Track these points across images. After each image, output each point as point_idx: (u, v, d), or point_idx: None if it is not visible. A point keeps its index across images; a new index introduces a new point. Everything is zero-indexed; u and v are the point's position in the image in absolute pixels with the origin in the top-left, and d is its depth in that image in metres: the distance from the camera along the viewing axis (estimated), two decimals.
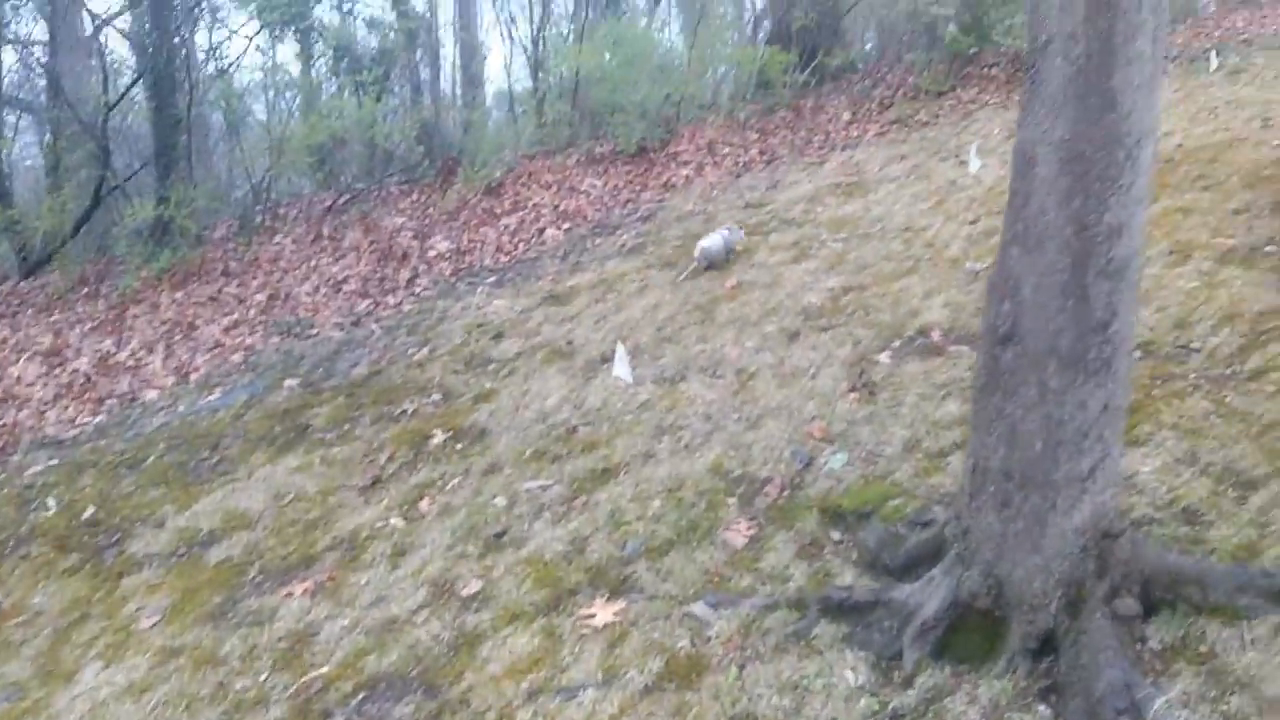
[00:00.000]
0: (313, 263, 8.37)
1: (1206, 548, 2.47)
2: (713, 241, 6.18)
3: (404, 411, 4.85)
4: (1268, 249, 4.42)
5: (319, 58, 12.68)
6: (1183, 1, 14.30)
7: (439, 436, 4.40)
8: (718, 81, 12.26)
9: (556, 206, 8.89)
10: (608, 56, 10.77)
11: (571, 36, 15.09)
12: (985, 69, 10.80)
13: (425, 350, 5.73)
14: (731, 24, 15.08)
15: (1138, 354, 3.73)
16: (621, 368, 4.50)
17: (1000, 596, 2.27)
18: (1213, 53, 9.15)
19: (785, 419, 3.78)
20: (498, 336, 5.65)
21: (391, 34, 12.37)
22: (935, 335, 4.30)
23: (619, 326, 5.42)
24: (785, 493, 3.22)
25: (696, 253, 6.18)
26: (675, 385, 4.42)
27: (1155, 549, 2.38)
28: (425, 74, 15.44)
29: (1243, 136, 6.28)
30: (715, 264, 6.12)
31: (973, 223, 5.72)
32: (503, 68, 18.99)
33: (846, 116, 10.46)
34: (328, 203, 10.56)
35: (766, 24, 13.06)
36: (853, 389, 3.93)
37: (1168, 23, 2.03)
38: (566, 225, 8.38)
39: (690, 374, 4.53)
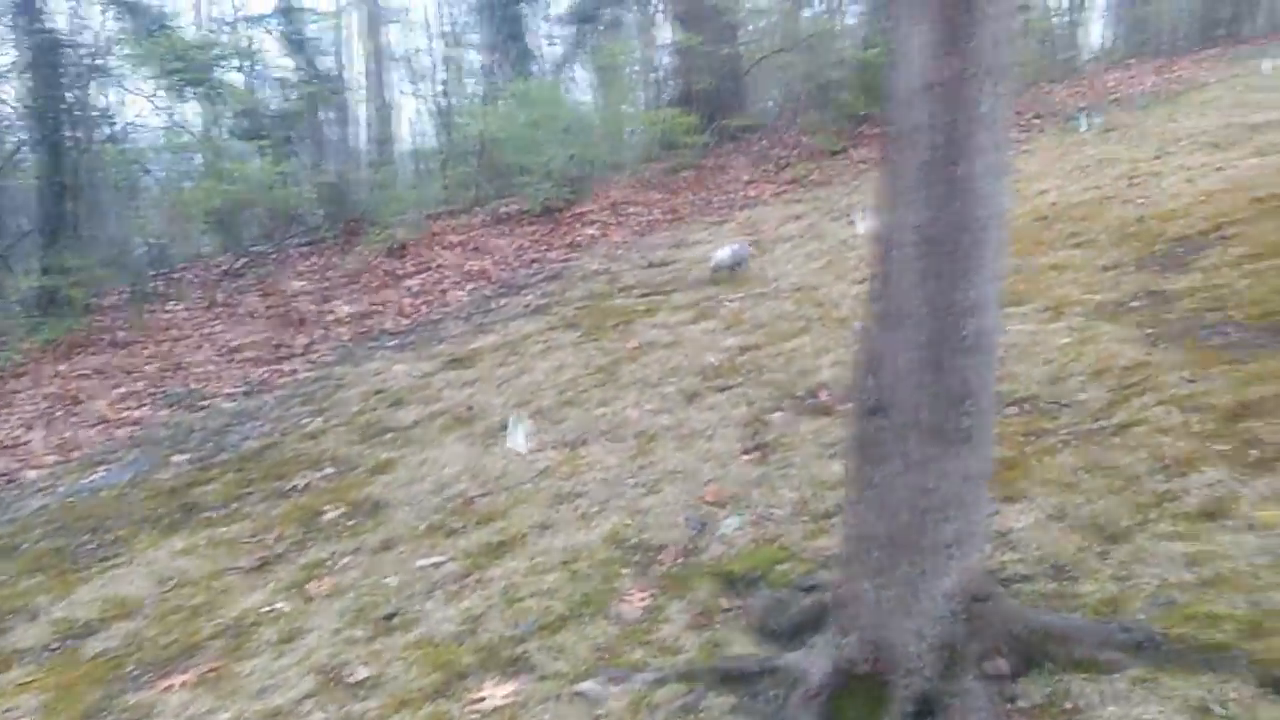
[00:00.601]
0: (207, 330, 8.14)
1: (1074, 604, 2.57)
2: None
3: (296, 486, 4.73)
4: (1134, 304, 4.70)
5: (222, 118, 12.47)
6: (1063, 61, 15.29)
7: (331, 512, 4.30)
8: (625, 142, 12.48)
9: (461, 267, 8.88)
10: (516, 116, 10.88)
11: (480, 95, 15.22)
12: (879, 129, 11.28)
13: (320, 420, 5.61)
14: (638, 84, 15.42)
15: (1014, 410, 3.92)
16: (516, 439, 4.48)
17: (880, 661, 2.32)
18: (1083, 114, 9.76)
19: (683, 483, 3.82)
20: (397, 403, 5.58)
21: (296, 94, 12.26)
22: (824, 395, 4.42)
23: (522, 390, 5.41)
24: (680, 560, 3.25)
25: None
26: (576, 450, 4.42)
27: (1024, 609, 2.48)
28: (335, 133, 15.32)
29: (1112, 194, 6.70)
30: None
31: (861, 282, 5.92)
32: (412, 126, 18.99)
33: (747, 176, 10.78)
34: (226, 267, 10.32)
35: (672, 85, 13.39)
36: (747, 450, 4.01)
37: (1009, 116, 2.17)
38: (471, 286, 8.38)
39: (592, 438, 4.55)
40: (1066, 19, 17.20)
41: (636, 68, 15.07)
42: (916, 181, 2.12)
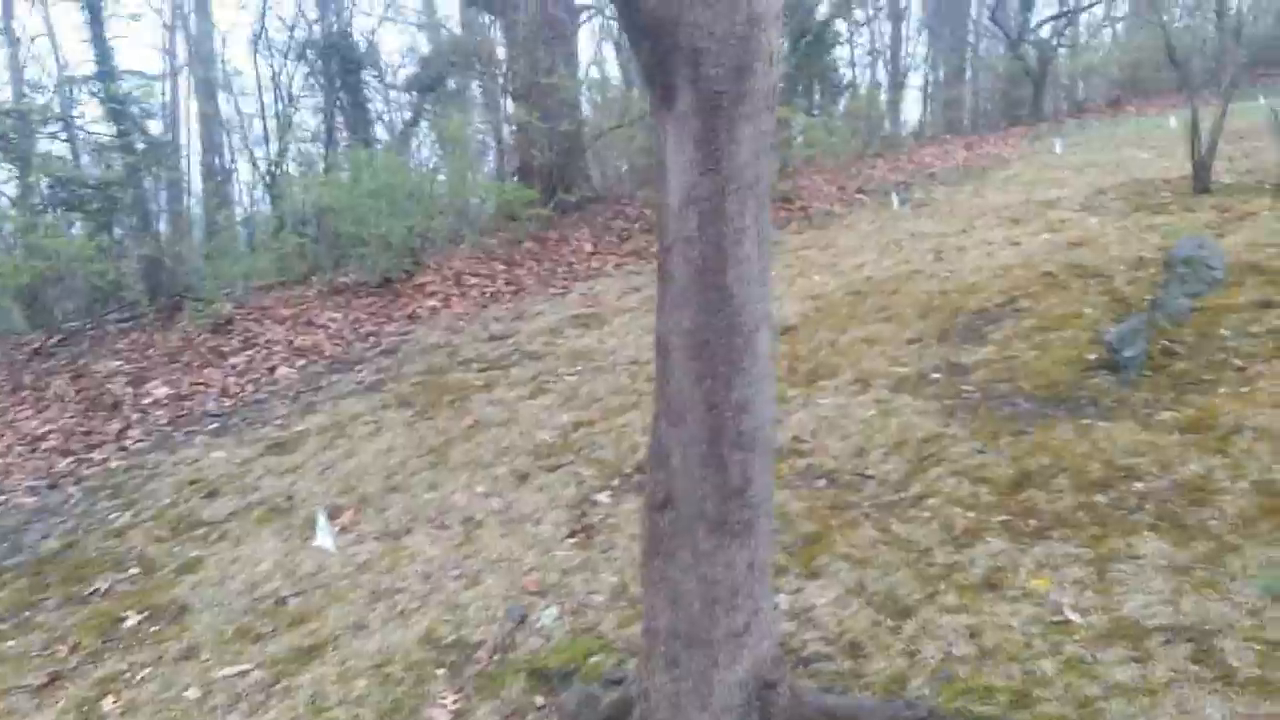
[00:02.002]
0: (10, 416, 7.51)
1: (864, 682, 2.69)
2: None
3: (96, 590, 4.39)
4: (934, 375, 5.02)
5: (36, 187, 11.71)
6: (882, 139, 16.37)
7: (132, 618, 4.01)
8: (468, 213, 12.48)
9: (291, 342, 8.58)
10: (355, 185, 10.71)
11: (318, 163, 14.91)
12: None
13: (129, 515, 5.26)
14: (482, 155, 15.51)
15: (823, 483, 4.10)
16: (324, 537, 4.32)
17: None
18: (894, 193, 10.47)
19: (505, 572, 3.78)
20: (212, 494, 5.30)
21: (119, 162, 11.67)
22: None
23: (346, 476, 5.25)
24: (496, 656, 3.19)
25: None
26: (399, 540, 4.31)
27: (813, 691, 2.57)
28: (164, 201, 14.65)
29: (920, 269, 7.18)
30: None
31: None
32: (247, 194, 18.38)
33: (590, 248, 10.96)
34: (36, 345, 9.59)
35: (514, 158, 13.53)
36: (572, 534, 4.01)
37: (769, 227, 2.32)
38: (302, 362, 8.10)
39: (416, 526, 4.45)
40: (887, 98, 18.52)
41: (481, 138, 15.20)
42: (687, 288, 2.22)
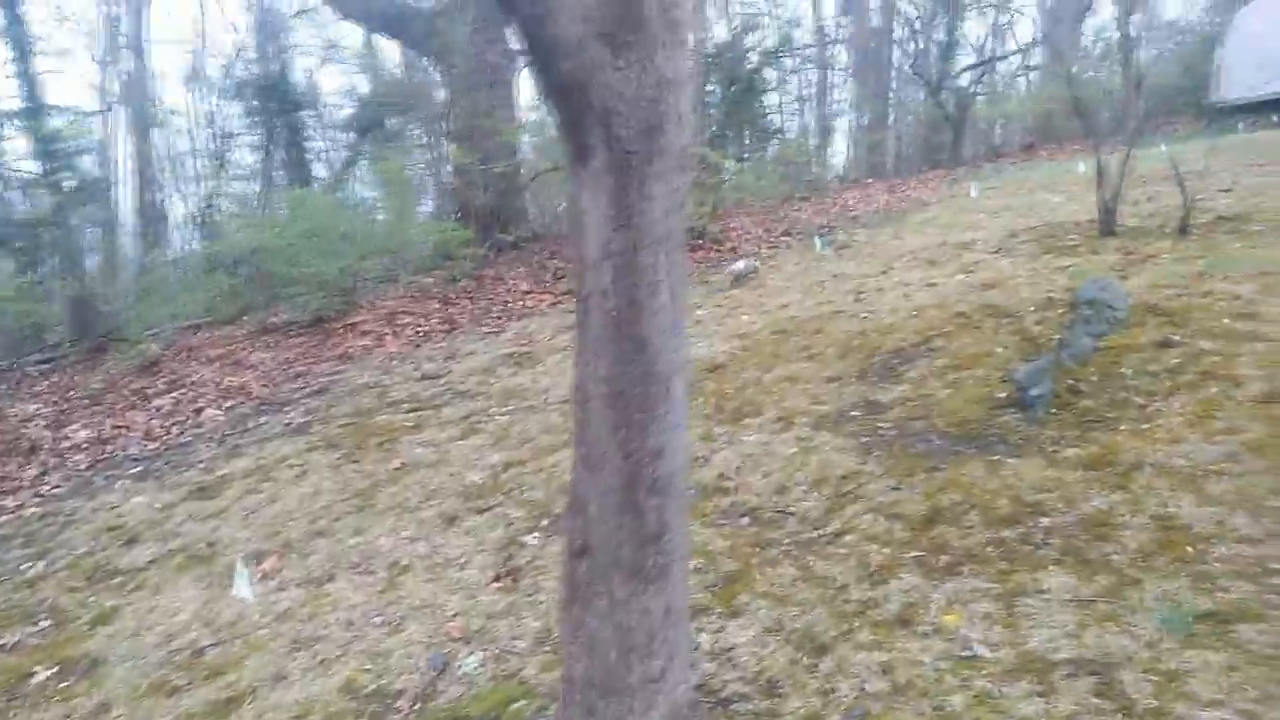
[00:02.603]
0: None
1: None
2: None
3: (4, 645, 4.24)
4: (853, 413, 5.16)
5: None
6: (808, 182, 16.80)
7: (41, 674, 3.88)
8: (404, 252, 12.44)
9: (219, 383, 8.42)
10: (290, 225, 10.61)
11: (253, 202, 14.74)
12: None
13: (42, 564, 5.09)
14: (421, 195, 15.50)
15: (746, 521, 4.18)
16: (242, 586, 4.25)
17: None
18: (816, 235, 10.75)
19: (429, 618, 3.76)
20: (131, 541, 5.16)
21: (46, 200, 11.37)
22: None
23: (270, 521, 5.17)
24: (416, 706, 3.17)
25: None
26: (322, 587, 4.26)
27: None
28: (96, 239, 14.27)
29: (841, 309, 7.37)
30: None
31: None
32: (180, 232, 18.04)
33: (525, 286, 11.00)
34: None
35: (452, 198, 13.55)
36: (498, 578, 4.01)
37: (684, 279, 2.40)
38: (229, 404, 7.95)
39: (340, 572, 4.39)
40: (814, 143, 19.05)
41: (420, 179, 15.19)
42: (603, 338, 2.29)
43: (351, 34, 19.38)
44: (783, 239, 11.77)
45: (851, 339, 6.39)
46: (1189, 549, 3.19)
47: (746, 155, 17.46)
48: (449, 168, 13.34)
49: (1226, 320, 4.94)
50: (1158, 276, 6.00)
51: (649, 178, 2.23)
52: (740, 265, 9.92)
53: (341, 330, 9.87)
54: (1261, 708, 2.44)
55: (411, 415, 6.78)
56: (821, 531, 3.91)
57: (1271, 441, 3.69)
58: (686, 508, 2.47)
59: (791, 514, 4.12)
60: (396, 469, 5.67)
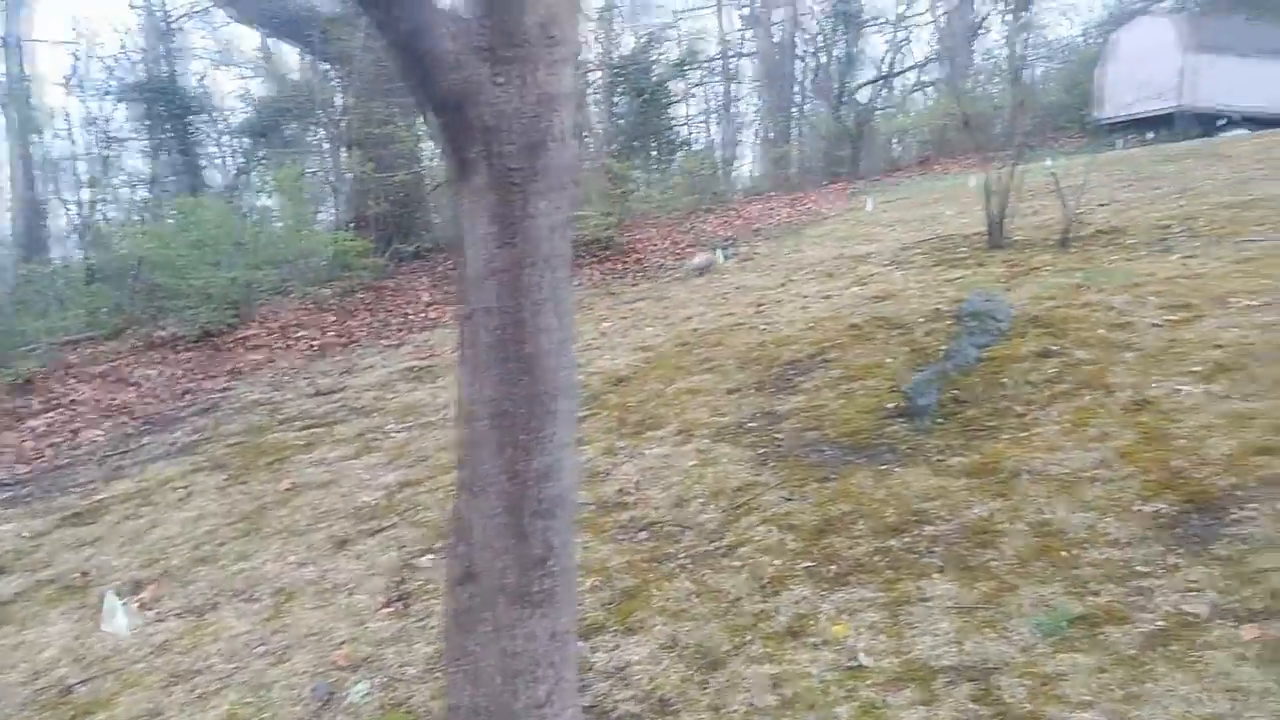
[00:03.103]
0: None
1: None
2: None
3: None
4: (751, 424, 5.21)
5: None
6: (714, 195, 17.01)
7: None
8: (300, 263, 12.09)
9: (100, 402, 8.01)
10: (179, 234, 10.19)
11: (141, 210, 14.09)
12: None
13: None
14: (318, 204, 15.07)
15: (645, 535, 4.17)
16: (114, 620, 4.03)
17: None
18: (719, 249, 10.89)
19: (315, 646, 3.63)
20: None
21: None
22: None
23: (150, 548, 4.92)
24: None
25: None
26: (203, 616, 4.07)
27: None
28: None
29: (742, 321, 7.46)
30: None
31: None
32: (63, 242, 17.13)
33: (427, 298, 10.81)
34: None
35: (350, 207, 13.23)
36: (389, 602, 3.90)
37: (571, 298, 2.37)
38: (110, 424, 7.57)
39: (223, 601, 4.21)
40: (720, 155, 19.32)
41: (319, 186, 14.79)
42: (488, 358, 2.25)
43: (248, 36, 18.82)
44: (689, 250, 11.87)
45: (751, 350, 6.47)
46: (1063, 554, 3.32)
47: (654, 167, 17.59)
48: (349, 176, 13.03)
49: (1101, 330, 5.18)
50: (1040, 288, 6.26)
51: (533, 195, 2.21)
52: (699, 259, 10.61)
53: (232, 345, 9.51)
54: (1127, 707, 2.55)
55: (304, 433, 6.57)
56: (718, 544, 3.93)
57: (1140, 448, 3.88)
58: (573, 528, 2.44)
59: (689, 528, 4.13)
60: (286, 490, 5.48)
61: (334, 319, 10.20)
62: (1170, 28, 18.32)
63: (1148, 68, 17.28)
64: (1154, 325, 5.10)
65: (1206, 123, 17.27)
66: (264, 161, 16.50)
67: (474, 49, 2.10)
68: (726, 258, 10.55)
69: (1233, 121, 17.13)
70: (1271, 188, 8.83)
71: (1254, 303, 5.26)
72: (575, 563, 2.46)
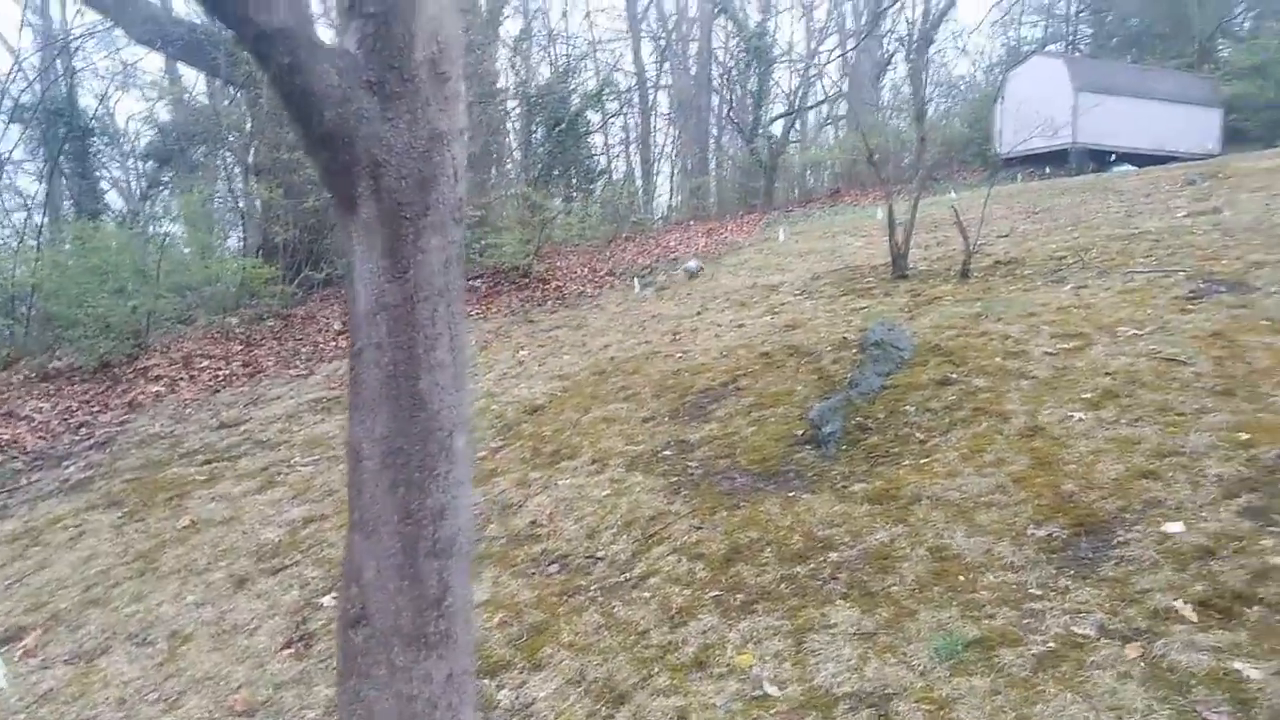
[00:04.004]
0: None
1: None
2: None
3: None
4: (665, 453, 5.24)
5: None
6: (634, 224, 17.14)
7: None
8: (206, 291, 11.72)
9: None
10: (76, 261, 9.77)
11: (35, 236, 13.50)
12: (468, 282, 11.74)
13: None
14: (227, 231, 14.66)
15: (555, 569, 4.14)
16: None
17: None
18: (636, 278, 10.98)
19: (210, 692, 3.49)
20: None
21: None
22: None
23: (38, 591, 4.67)
24: None
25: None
26: (93, 662, 3.87)
27: None
28: None
29: (658, 349, 7.52)
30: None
31: None
32: None
33: (337, 326, 10.59)
34: None
35: (257, 235, 12.92)
36: (289, 643, 3.78)
37: (465, 333, 2.36)
38: None
39: (115, 644, 4.02)
40: (640, 184, 19.51)
41: (226, 213, 14.40)
42: (379, 395, 2.21)
43: (154, 58, 18.29)
44: (607, 279, 11.92)
45: (666, 379, 6.52)
46: (960, 578, 3.41)
47: (574, 195, 17.65)
48: (257, 202, 12.73)
49: (998, 359, 5.37)
50: (941, 318, 6.47)
51: (423, 230, 2.19)
52: (692, 264, 11.53)
53: (132, 375, 9.15)
54: None
55: (205, 468, 6.35)
56: (628, 575, 3.92)
57: (1032, 473, 4.03)
58: (471, 566, 2.40)
59: (600, 558, 4.12)
60: (185, 527, 5.28)
61: (240, 348, 9.90)
62: (1063, 68, 19.28)
63: (1042, 106, 18.14)
64: (1048, 354, 5.31)
65: (1099, 158, 18.19)
66: (169, 187, 16.00)
67: (362, 84, 2.09)
68: (644, 287, 10.63)
69: (1122, 158, 18.09)
70: (1156, 221, 9.33)
71: (1139, 331, 5.53)
72: (473, 602, 2.42)
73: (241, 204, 13.95)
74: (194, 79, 17.38)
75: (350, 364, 2.30)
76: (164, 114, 17.04)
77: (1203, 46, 23.54)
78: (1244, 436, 4.09)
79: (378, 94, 2.10)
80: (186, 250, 11.96)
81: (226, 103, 14.50)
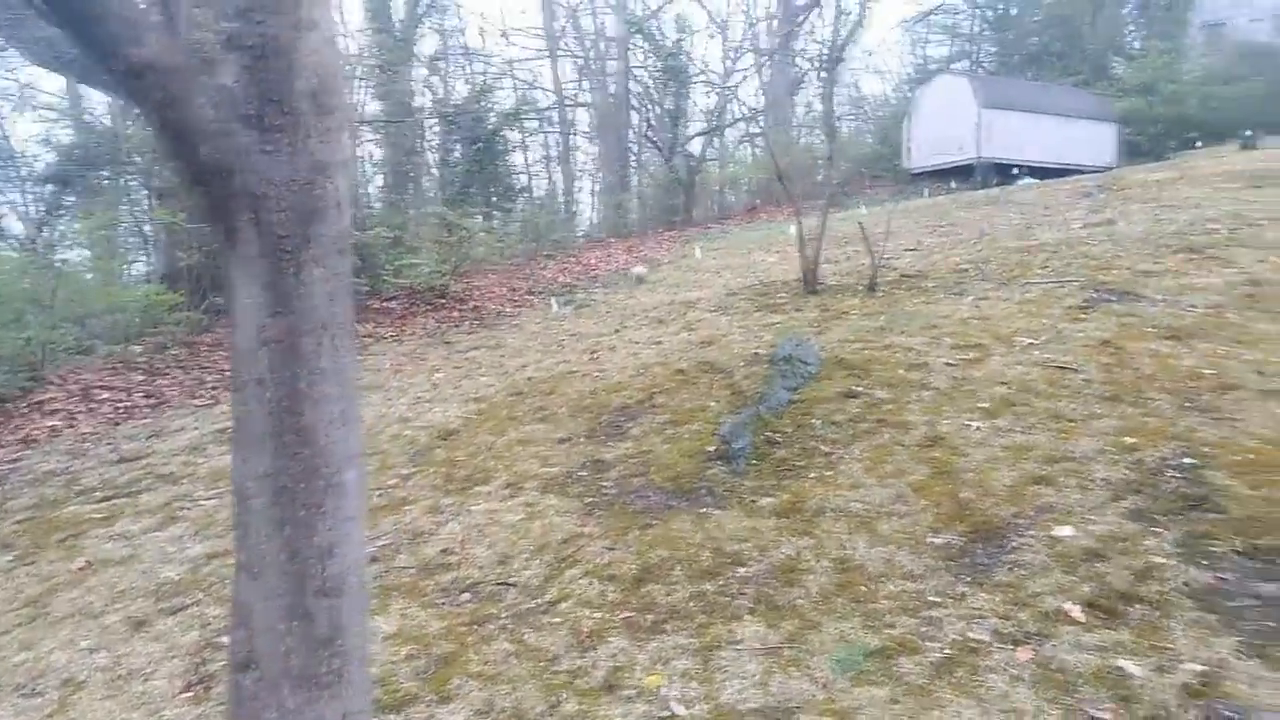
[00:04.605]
0: None
1: None
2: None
3: None
4: (580, 474, 5.23)
5: None
6: (554, 242, 17.13)
7: None
8: (103, 319, 11.29)
9: None
10: None
11: None
12: (382, 303, 11.59)
13: None
14: (128, 257, 14.16)
15: (467, 597, 4.09)
16: None
17: None
18: (554, 298, 10.98)
19: None
20: None
21: None
22: None
23: None
24: None
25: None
26: None
27: None
28: None
29: (576, 368, 7.52)
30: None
31: None
32: None
33: None
34: None
35: (162, 260, 12.52)
36: (188, 687, 3.65)
37: (352, 366, 2.33)
38: None
39: (2, 697, 3.82)
40: (561, 202, 19.52)
41: (129, 238, 13.92)
42: (263, 432, 2.16)
43: (54, 79, 17.59)
44: (527, 298, 11.88)
45: (584, 398, 6.52)
46: (863, 588, 3.49)
47: (493, 214, 17.56)
48: (161, 226, 12.34)
49: (901, 371, 5.53)
50: (848, 332, 6.63)
51: (307, 263, 2.16)
52: (639, 270, 12.22)
53: (26, 410, 8.74)
54: None
55: (103, 505, 6.10)
56: (539, 601, 3.90)
57: (931, 482, 4.15)
58: (363, 605, 2.37)
59: (512, 585, 4.09)
60: (80, 569, 5.05)
61: (142, 378, 9.55)
62: (967, 86, 20.00)
63: (949, 122, 18.79)
64: (948, 365, 5.49)
65: (1004, 172, 18.90)
66: (70, 212, 15.39)
67: (240, 117, 2.06)
68: (562, 306, 10.63)
69: (1025, 171, 18.83)
70: (1054, 233, 9.74)
71: (1034, 341, 5.76)
72: (369, 639, 2.38)
73: (147, 228, 13.50)
74: (96, 101, 16.80)
75: (233, 400, 2.25)
76: (64, 136, 16.41)
77: (1096, 65, 24.69)
78: (1130, 440, 4.29)
79: (256, 127, 2.07)
80: (89, 276, 11.53)
81: (129, 125, 14.03)
